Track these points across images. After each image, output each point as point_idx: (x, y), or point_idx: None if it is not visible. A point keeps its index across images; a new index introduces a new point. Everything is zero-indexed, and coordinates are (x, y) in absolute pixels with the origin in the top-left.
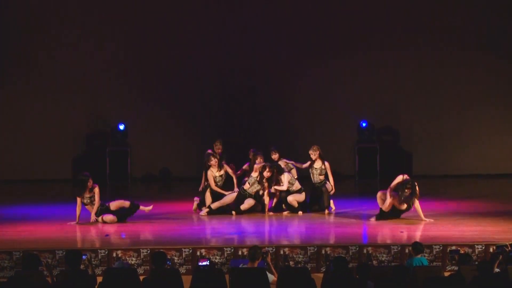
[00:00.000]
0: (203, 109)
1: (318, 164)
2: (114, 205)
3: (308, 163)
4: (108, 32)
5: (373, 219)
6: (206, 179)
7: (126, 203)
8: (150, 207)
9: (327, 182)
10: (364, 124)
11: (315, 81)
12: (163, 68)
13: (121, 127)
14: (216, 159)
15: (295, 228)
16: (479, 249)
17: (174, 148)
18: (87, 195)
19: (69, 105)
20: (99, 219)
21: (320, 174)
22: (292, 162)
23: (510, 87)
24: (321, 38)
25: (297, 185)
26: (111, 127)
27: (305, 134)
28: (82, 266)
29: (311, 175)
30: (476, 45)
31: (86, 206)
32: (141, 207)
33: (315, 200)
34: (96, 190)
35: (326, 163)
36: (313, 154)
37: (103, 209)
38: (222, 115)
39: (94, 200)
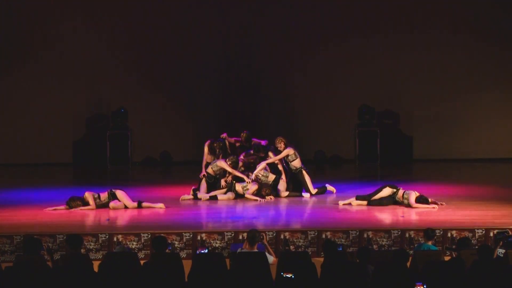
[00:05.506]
0: (204, 93)
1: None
2: (121, 197)
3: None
4: (109, 16)
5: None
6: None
7: (131, 205)
8: (161, 206)
9: (303, 170)
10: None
11: (316, 65)
12: (164, 52)
13: (122, 110)
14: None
15: (296, 212)
16: (479, 233)
17: (174, 132)
18: (90, 202)
19: (69, 88)
20: (110, 205)
21: (292, 161)
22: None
23: (510, 70)
24: (322, 23)
25: (271, 177)
26: (111, 111)
27: (305, 118)
28: (82, 250)
29: (286, 164)
30: (476, 29)
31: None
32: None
33: (297, 187)
34: (88, 198)
35: (286, 150)
36: (279, 146)
37: (110, 195)
38: (222, 100)
39: (99, 199)
